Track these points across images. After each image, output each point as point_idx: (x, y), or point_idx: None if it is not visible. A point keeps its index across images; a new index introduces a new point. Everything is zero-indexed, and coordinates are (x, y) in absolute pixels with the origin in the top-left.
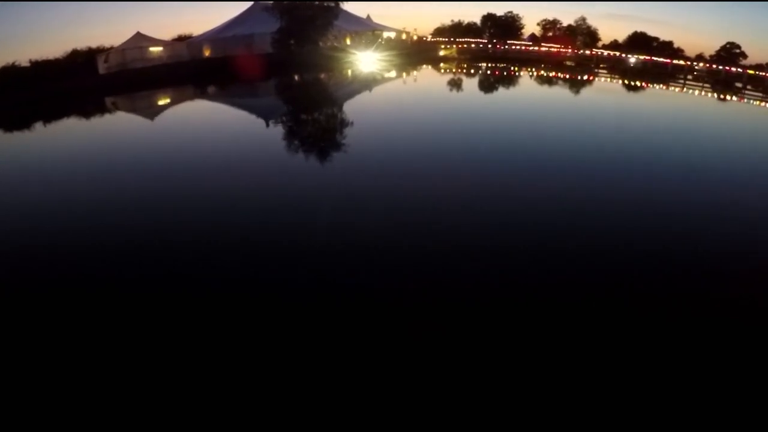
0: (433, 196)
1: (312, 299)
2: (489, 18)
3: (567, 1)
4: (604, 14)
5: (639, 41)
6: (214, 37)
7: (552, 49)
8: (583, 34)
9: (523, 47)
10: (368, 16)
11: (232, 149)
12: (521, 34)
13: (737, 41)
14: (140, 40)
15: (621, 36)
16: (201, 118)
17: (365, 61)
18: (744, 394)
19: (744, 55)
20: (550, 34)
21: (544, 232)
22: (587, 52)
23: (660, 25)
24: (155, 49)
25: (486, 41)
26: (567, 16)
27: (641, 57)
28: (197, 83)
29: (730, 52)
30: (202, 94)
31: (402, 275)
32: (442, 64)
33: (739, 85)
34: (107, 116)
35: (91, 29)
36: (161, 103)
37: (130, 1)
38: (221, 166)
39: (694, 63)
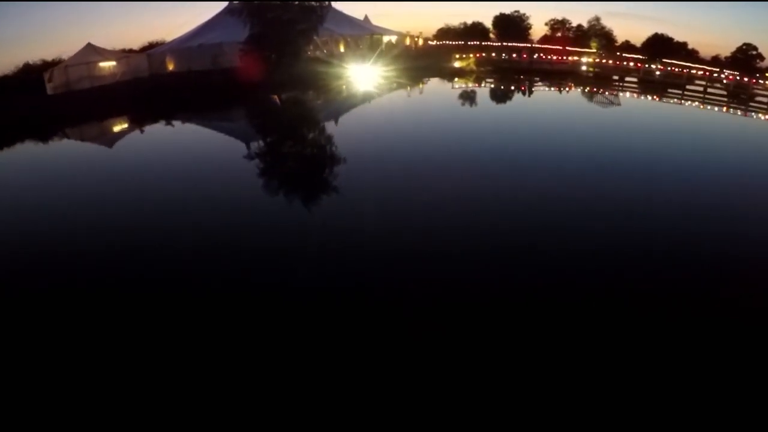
0: None
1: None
2: (501, 19)
3: (565, 1)
4: (602, 12)
5: (657, 44)
6: (178, 47)
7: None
8: (598, 35)
9: (554, 58)
10: (366, 18)
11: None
12: (529, 34)
13: (735, 38)
14: (90, 53)
15: (620, 36)
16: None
17: (362, 74)
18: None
19: (761, 57)
20: (559, 34)
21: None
22: (631, 63)
23: (659, 23)
24: (106, 65)
25: (498, 44)
26: (566, 14)
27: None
28: (148, 110)
29: (746, 54)
30: (142, 127)
31: None
32: (458, 80)
33: None
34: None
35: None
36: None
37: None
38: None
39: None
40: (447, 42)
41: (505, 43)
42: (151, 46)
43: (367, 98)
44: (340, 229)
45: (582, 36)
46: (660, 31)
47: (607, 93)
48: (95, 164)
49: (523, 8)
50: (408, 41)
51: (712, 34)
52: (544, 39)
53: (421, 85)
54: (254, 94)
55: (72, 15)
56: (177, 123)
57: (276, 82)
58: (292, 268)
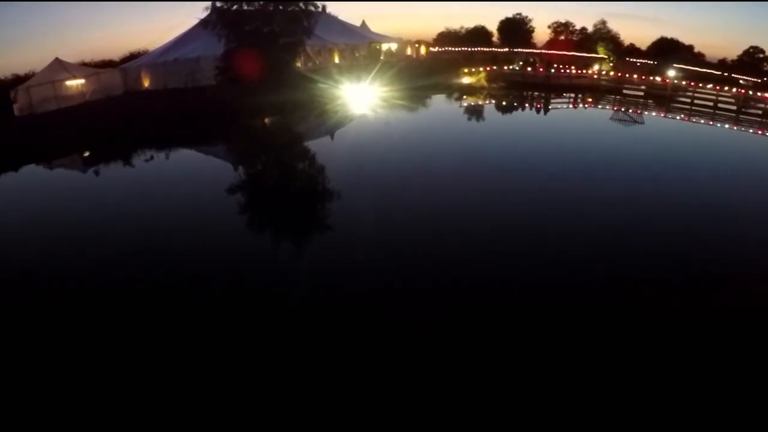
0: None
1: None
2: (505, 23)
3: (564, 1)
4: (602, 13)
5: (665, 48)
6: (154, 62)
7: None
8: (604, 39)
9: (575, 71)
10: (363, 23)
11: None
12: (532, 37)
13: (736, 37)
14: (57, 70)
15: (623, 38)
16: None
17: (359, 94)
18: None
19: None
20: (562, 37)
21: None
22: (657, 78)
23: (660, 24)
24: (74, 83)
25: (506, 50)
26: (566, 15)
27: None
28: (110, 141)
29: (753, 57)
30: (96, 168)
31: None
32: (469, 98)
33: None
34: None
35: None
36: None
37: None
38: None
39: None
40: (449, 48)
41: (512, 50)
42: (132, 57)
43: (363, 128)
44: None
45: (586, 39)
46: (661, 32)
47: (630, 111)
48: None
49: (521, 8)
50: (410, 51)
51: (712, 33)
52: (549, 43)
53: (426, 106)
54: (229, 120)
55: (49, 21)
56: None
57: (257, 106)
58: None
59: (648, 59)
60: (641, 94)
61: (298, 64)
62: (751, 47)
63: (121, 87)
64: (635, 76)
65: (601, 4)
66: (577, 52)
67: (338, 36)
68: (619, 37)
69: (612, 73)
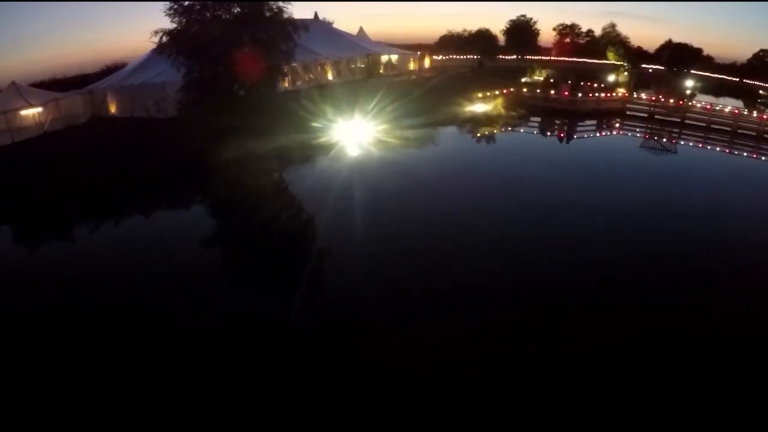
0: None
1: None
2: (511, 27)
3: (562, 1)
4: (601, 12)
5: (678, 54)
6: (120, 84)
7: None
8: (614, 44)
9: (604, 94)
10: (361, 30)
11: None
12: (537, 40)
13: (736, 37)
14: (12, 97)
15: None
16: None
17: (352, 133)
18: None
19: None
20: (567, 40)
21: None
22: (695, 104)
23: (659, 23)
24: (30, 112)
25: (514, 57)
26: (565, 14)
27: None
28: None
29: (762, 61)
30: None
31: None
32: (486, 131)
33: None
34: None
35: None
36: None
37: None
38: None
39: None
40: (454, 56)
41: (522, 57)
42: (108, 71)
43: (357, 187)
44: None
45: (593, 43)
46: (660, 31)
47: (663, 139)
48: None
49: (521, 8)
50: (413, 65)
51: (712, 32)
52: (556, 46)
53: (434, 144)
54: (193, 176)
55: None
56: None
57: (226, 155)
58: None
59: (659, 64)
60: (677, 120)
61: (285, 84)
62: (761, 50)
63: (85, 113)
64: (671, 100)
65: (600, 4)
66: (585, 56)
67: (332, 47)
68: (629, 41)
69: (645, 97)
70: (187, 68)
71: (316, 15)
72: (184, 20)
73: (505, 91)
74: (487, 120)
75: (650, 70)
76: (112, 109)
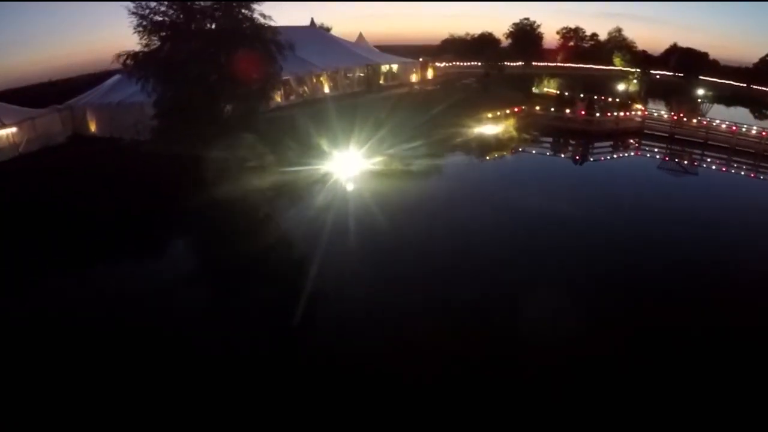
0: None
1: None
2: (515, 30)
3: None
4: (597, 13)
5: (686, 60)
6: (99, 101)
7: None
8: (620, 49)
9: (622, 113)
10: (360, 36)
11: None
12: (542, 44)
13: (737, 38)
14: None
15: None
16: None
17: (345, 164)
18: None
19: None
20: (571, 44)
21: None
22: (723, 125)
23: (657, 23)
24: (2, 133)
25: (521, 63)
26: (562, 16)
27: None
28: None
29: None
30: None
31: None
32: (496, 156)
33: None
34: None
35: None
36: None
37: None
38: None
39: None
40: (457, 63)
41: (528, 63)
42: (103, 77)
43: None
44: None
45: (598, 48)
46: (659, 33)
47: (684, 161)
48: None
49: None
50: (415, 76)
51: (712, 34)
52: (560, 50)
53: (441, 178)
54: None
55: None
56: None
57: (210, 193)
58: None
59: (666, 70)
60: (700, 141)
61: (278, 99)
62: None
63: (64, 131)
64: (694, 120)
65: (600, 4)
66: (591, 62)
67: (328, 57)
68: (635, 46)
69: (665, 115)
70: (158, 93)
71: (312, 21)
72: (155, 39)
73: (516, 109)
74: (497, 144)
75: (657, 76)
76: (92, 127)
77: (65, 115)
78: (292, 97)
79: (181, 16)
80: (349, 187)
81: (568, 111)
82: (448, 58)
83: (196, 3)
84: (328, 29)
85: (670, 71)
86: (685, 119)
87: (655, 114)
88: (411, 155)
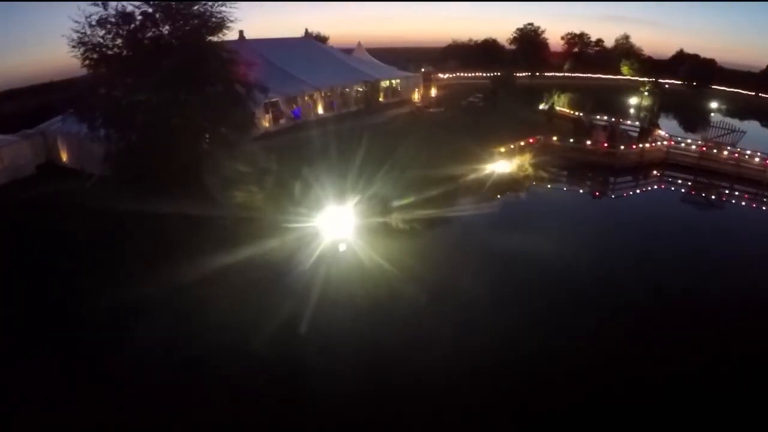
0: None
1: None
2: (519, 36)
3: (561, 1)
4: (602, 16)
5: (696, 69)
6: (69, 129)
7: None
8: (628, 57)
9: (648, 145)
10: (359, 46)
11: None
12: (547, 50)
13: (736, 40)
14: None
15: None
16: None
17: (336, 222)
18: None
19: None
20: (576, 50)
21: None
22: (756, 158)
23: (658, 27)
24: None
25: (528, 73)
26: (566, 20)
27: None
28: None
29: None
30: None
31: None
32: (511, 195)
33: None
34: None
35: None
36: None
37: None
38: None
39: None
40: (461, 73)
41: (534, 73)
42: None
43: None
44: None
45: (604, 55)
46: (659, 35)
47: (711, 195)
48: None
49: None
50: (416, 95)
51: (713, 37)
52: (567, 56)
53: (449, 245)
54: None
55: None
56: None
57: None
58: None
59: (675, 78)
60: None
61: (266, 124)
62: None
63: (36, 159)
64: (725, 152)
65: (598, 4)
66: (598, 70)
67: (323, 74)
68: (642, 53)
69: (694, 146)
70: (118, 140)
71: (306, 32)
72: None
73: (531, 140)
74: (512, 184)
75: (666, 85)
76: (64, 157)
77: (37, 142)
78: (282, 121)
79: (129, 52)
80: (331, 252)
81: (589, 143)
82: (452, 67)
83: (147, 37)
84: (324, 39)
85: (679, 80)
86: (714, 150)
87: (682, 144)
88: (408, 205)
